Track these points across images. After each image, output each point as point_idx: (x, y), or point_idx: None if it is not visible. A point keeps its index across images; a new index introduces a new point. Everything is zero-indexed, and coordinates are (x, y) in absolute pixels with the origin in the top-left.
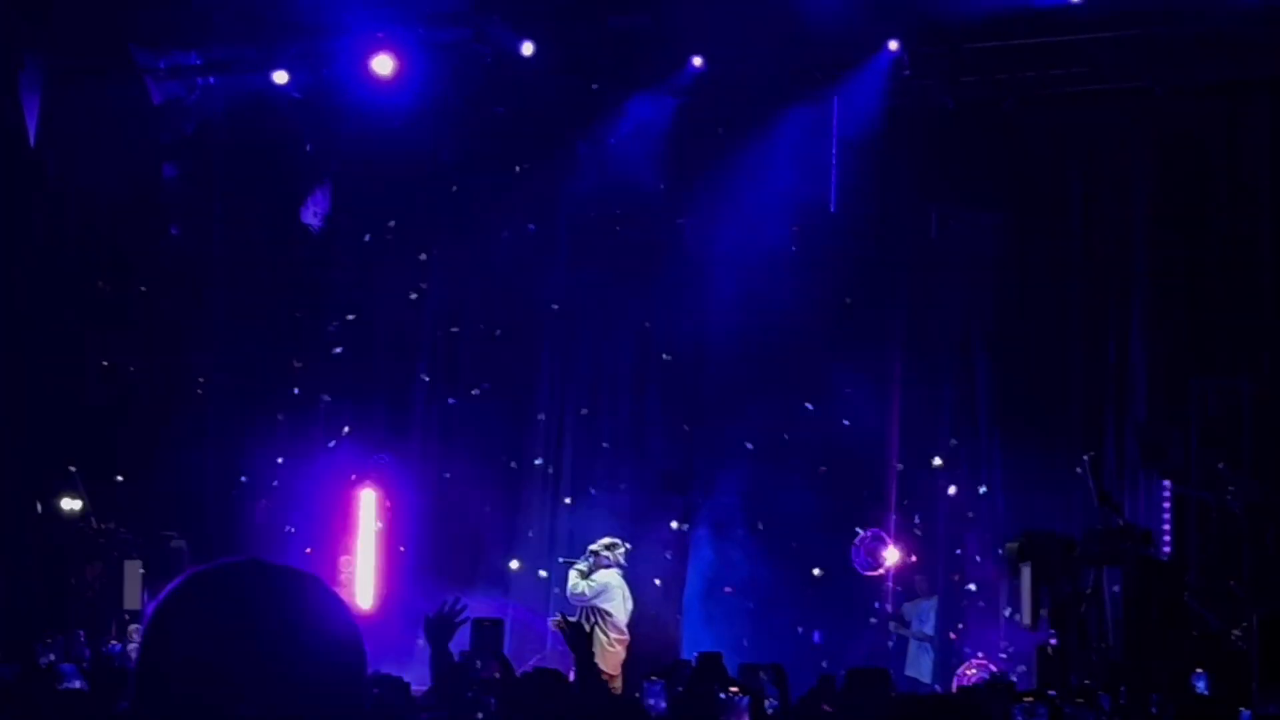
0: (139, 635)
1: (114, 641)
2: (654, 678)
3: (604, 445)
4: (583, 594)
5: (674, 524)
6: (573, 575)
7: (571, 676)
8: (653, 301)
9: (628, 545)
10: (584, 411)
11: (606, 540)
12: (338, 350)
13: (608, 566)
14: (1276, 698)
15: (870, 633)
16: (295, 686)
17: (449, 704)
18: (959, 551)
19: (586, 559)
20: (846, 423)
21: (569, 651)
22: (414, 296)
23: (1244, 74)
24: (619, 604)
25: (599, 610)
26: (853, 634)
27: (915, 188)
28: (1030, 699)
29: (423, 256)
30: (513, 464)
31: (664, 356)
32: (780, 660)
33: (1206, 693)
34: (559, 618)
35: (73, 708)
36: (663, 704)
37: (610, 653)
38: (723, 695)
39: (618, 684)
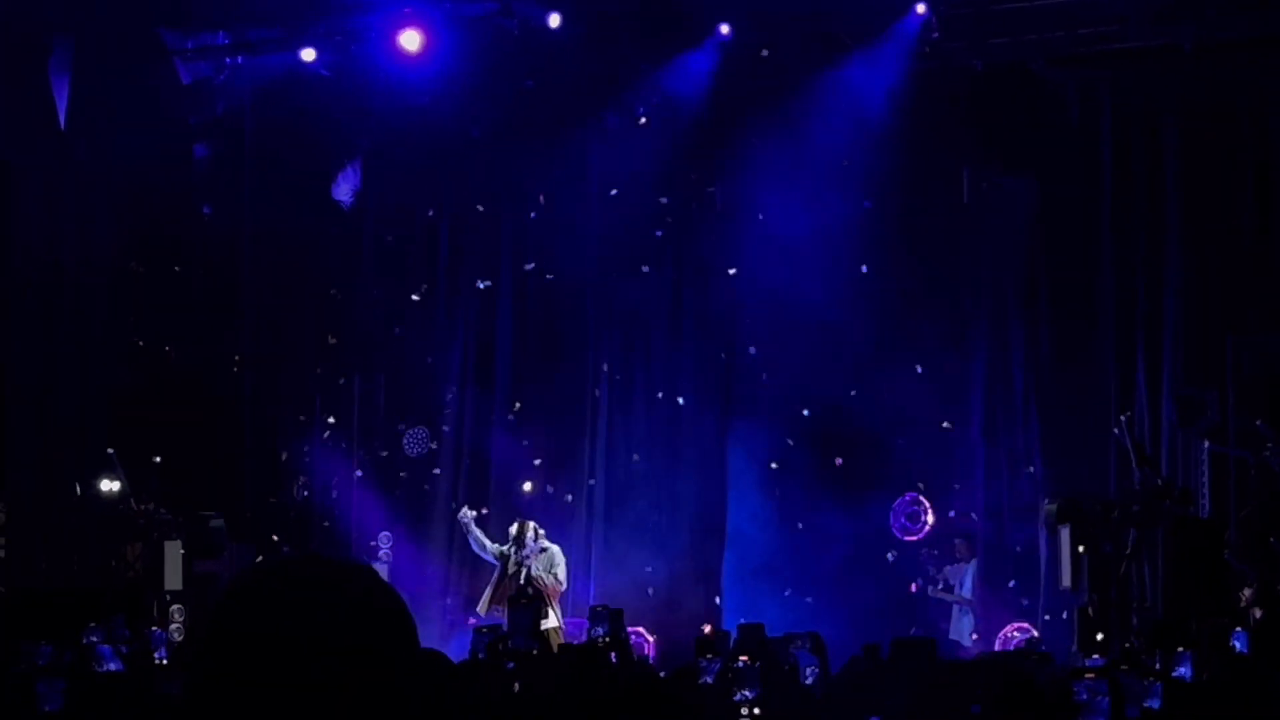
0: (180, 616)
1: (155, 628)
2: (709, 656)
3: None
4: (558, 580)
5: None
6: (548, 577)
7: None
8: (685, 268)
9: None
10: (617, 375)
11: (531, 528)
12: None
13: (545, 547)
14: None
15: (912, 598)
16: (351, 674)
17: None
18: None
19: (522, 547)
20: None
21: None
22: (482, 285)
23: (1272, 30)
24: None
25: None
26: (893, 600)
27: (946, 151)
28: (1092, 675)
29: (481, 284)
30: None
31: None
32: (820, 628)
33: (1245, 651)
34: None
35: (111, 689)
36: (711, 678)
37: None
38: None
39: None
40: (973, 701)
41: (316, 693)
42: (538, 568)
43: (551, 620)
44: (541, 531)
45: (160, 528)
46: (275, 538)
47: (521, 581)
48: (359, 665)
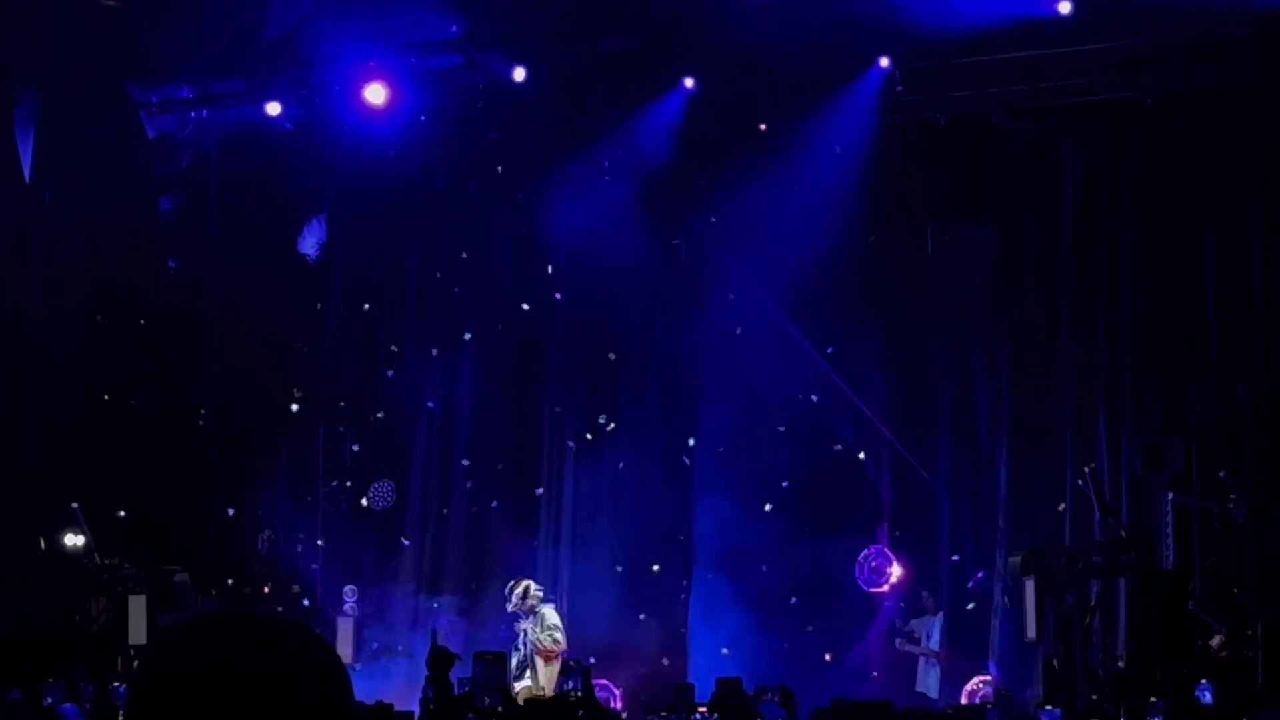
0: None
1: (118, 684)
2: (664, 714)
3: (620, 466)
4: (555, 641)
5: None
6: (544, 638)
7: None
8: (652, 321)
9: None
10: (588, 437)
11: (523, 587)
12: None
13: (536, 606)
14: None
15: (879, 649)
16: None
17: None
18: (956, 559)
19: (523, 611)
20: (838, 448)
21: None
22: (468, 338)
23: (1231, 81)
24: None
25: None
26: (861, 650)
27: (910, 203)
28: None
29: (467, 336)
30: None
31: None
32: (788, 679)
33: (1211, 703)
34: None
35: None
36: None
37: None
38: None
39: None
40: None
41: None
42: (533, 632)
43: (540, 680)
44: (538, 592)
45: (124, 582)
46: (247, 590)
47: (521, 647)
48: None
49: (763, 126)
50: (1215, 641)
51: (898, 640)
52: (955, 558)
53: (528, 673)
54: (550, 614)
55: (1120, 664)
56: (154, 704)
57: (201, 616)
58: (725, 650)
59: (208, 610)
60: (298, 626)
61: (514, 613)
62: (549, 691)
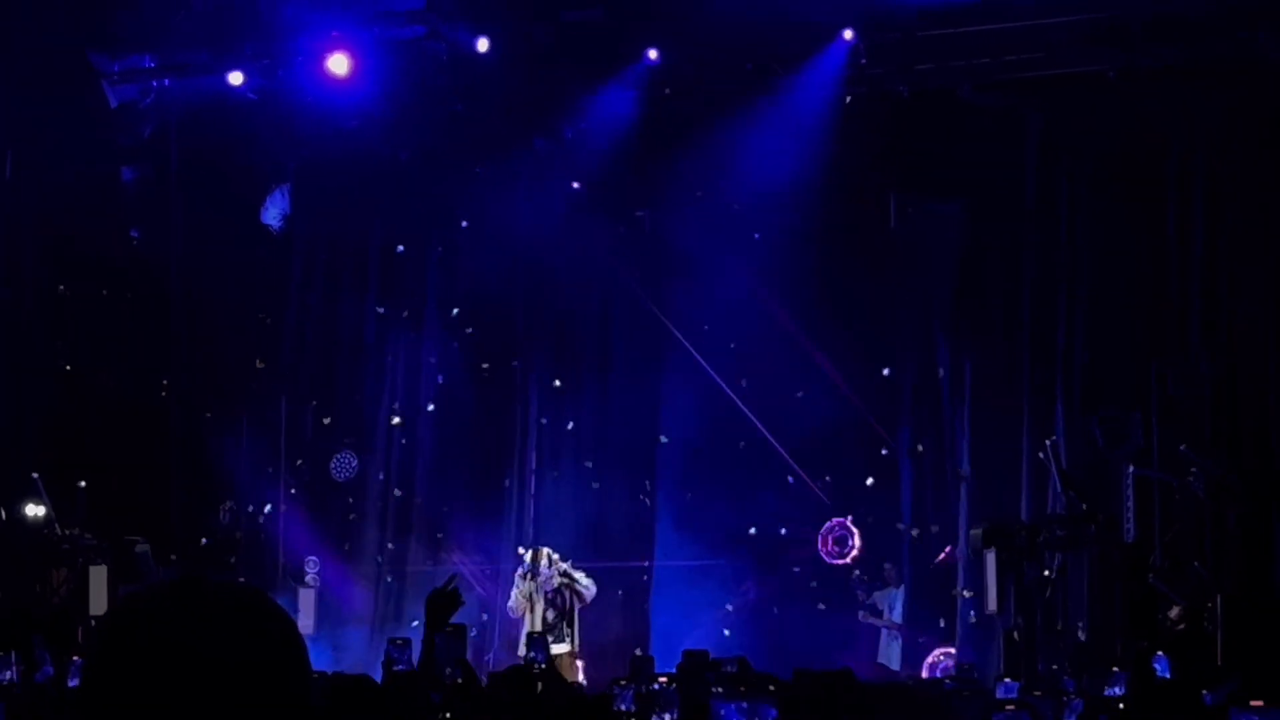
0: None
1: (78, 657)
2: (623, 682)
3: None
4: (586, 587)
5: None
6: (580, 578)
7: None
8: (613, 292)
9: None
10: (543, 421)
11: (545, 554)
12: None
13: (567, 570)
14: (1238, 678)
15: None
16: (235, 705)
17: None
18: (916, 532)
19: (553, 574)
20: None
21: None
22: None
23: (1195, 58)
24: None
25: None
26: (827, 623)
27: (873, 177)
28: (1011, 707)
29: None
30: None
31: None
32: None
33: (1167, 675)
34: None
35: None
36: (626, 705)
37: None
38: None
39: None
40: None
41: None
42: (572, 584)
43: (564, 645)
44: (555, 556)
45: (85, 553)
46: (209, 560)
47: (551, 607)
48: (248, 689)
49: (749, 66)
50: (1174, 613)
51: (860, 613)
52: (915, 531)
53: (565, 635)
54: (571, 567)
55: (1081, 636)
56: (109, 675)
57: (155, 586)
58: (727, 632)
59: (164, 580)
60: (253, 594)
61: (544, 580)
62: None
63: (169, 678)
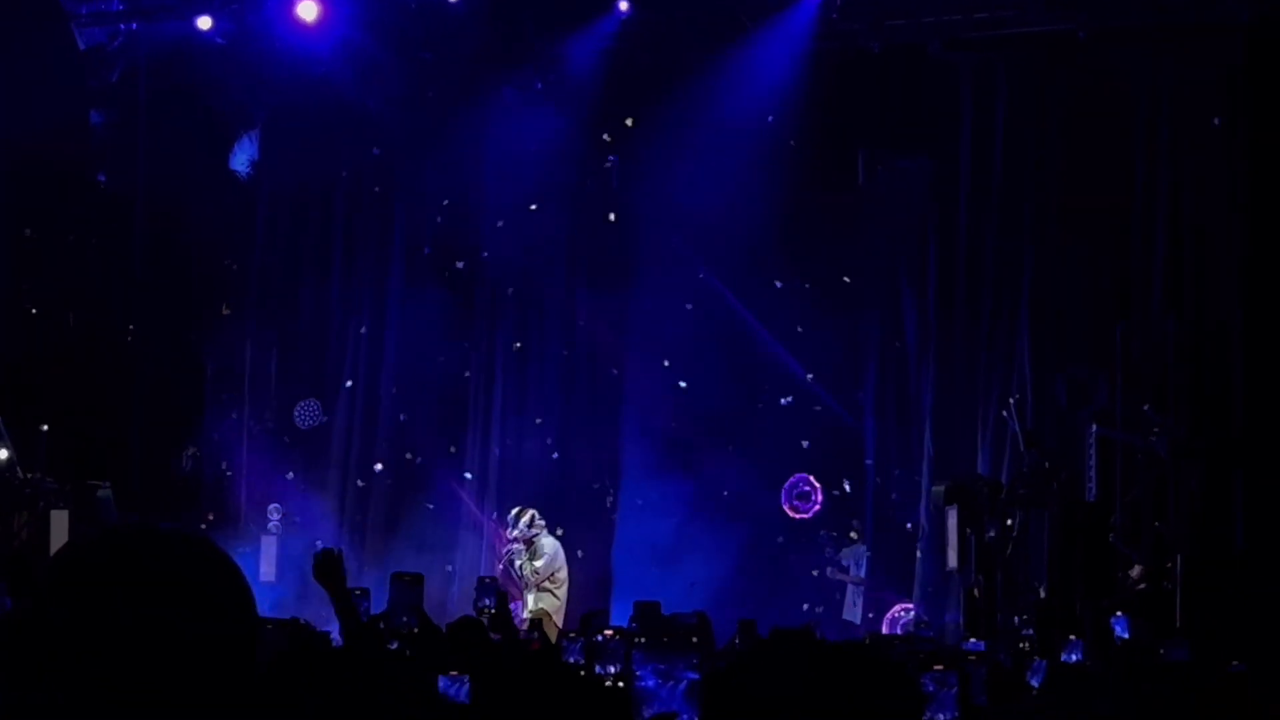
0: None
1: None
2: (572, 634)
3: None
4: (535, 573)
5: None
6: (524, 567)
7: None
8: (579, 243)
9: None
10: (517, 345)
11: (528, 515)
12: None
13: (536, 535)
14: (1197, 637)
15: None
16: (180, 654)
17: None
18: (895, 497)
19: (523, 539)
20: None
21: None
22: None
23: (1166, 17)
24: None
25: (553, 576)
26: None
27: (842, 132)
28: (940, 667)
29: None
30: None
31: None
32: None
33: (1126, 635)
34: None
35: None
36: (575, 657)
37: (559, 606)
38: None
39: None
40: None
41: (147, 666)
42: (522, 561)
43: (548, 601)
44: (540, 521)
45: (47, 497)
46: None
47: (504, 568)
48: (189, 637)
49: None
50: (1135, 572)
51: (829, 569)
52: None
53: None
54: (545, 544)
55: (1040, 594)
56: (50, 618)
57: (105, 532)
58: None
59: (112, 527)
60: (199, 542)
61: (512, 539)
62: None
63: (110, 623)
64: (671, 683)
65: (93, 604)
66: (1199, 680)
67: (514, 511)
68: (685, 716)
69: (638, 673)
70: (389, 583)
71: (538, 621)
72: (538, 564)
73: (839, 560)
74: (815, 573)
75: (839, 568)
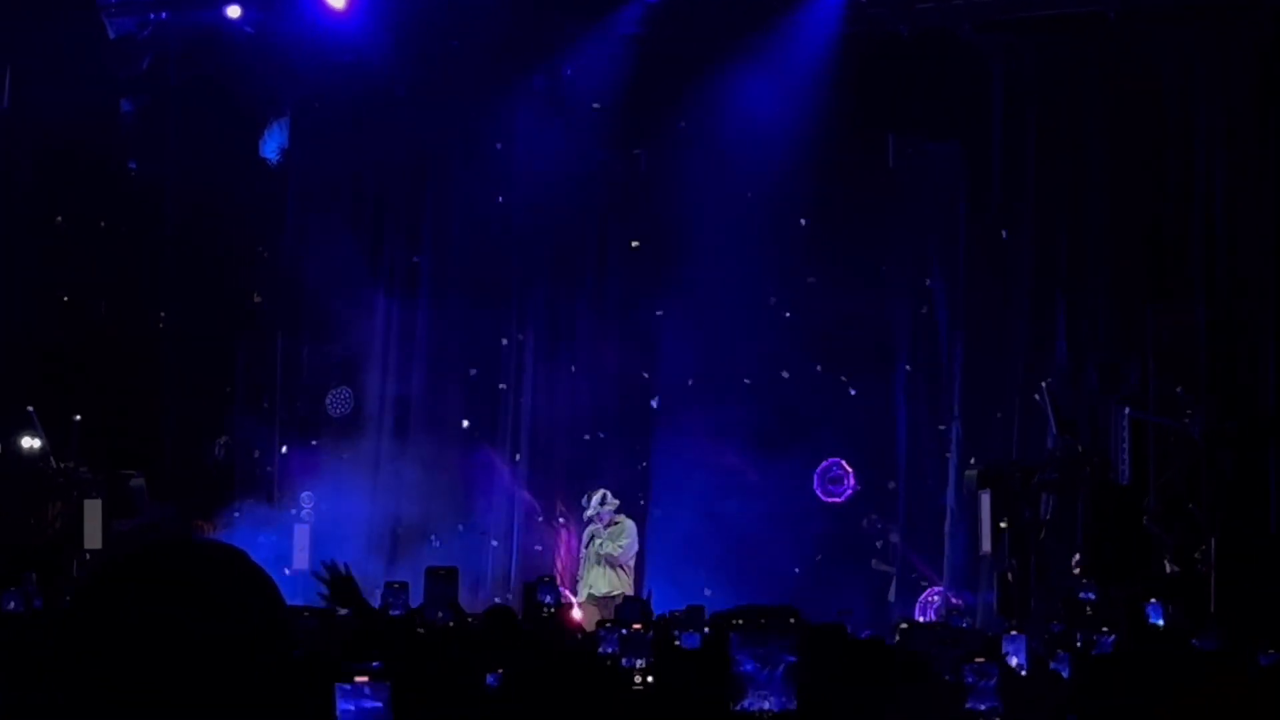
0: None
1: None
2: (608, 625)
3: (572, 370)
4: (620, 550)
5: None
6: (605, 545)
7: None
8: (609, 231)
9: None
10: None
11: (600, 494)
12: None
13: (615, 515)
14: (1231, 621)
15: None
16: (215, 670)
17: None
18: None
19: (595, 512)
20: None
21: None
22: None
23: (1196, 0)
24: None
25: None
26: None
27: (872, 116)
28: (981, 659)
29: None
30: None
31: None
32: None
33: (1161, 622)
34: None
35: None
36: (612, 648)
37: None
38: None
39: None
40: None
41: (178, 674)
42: (602, 535)
43: (595, 584)
44: (614, 500)
45: (80, 486)
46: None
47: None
48: (223, 652)
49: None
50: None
51: (874, 561)
52: (891, 484)
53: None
54: (628, 524)
55: (1076, 570)
56: (84, 637)
57: (138, 549)
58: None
59: (156, 521)
60: (234, 556)
61: (590, 519)
62: (610, 592)
63: (142, 631)
64: (769, 668)
65: (126, 611)
66: (1230, 671)
67: (587, 494)
68: (781, 700)
69: (735, 657)
70: (424, 577)
71: (607, 601)
72: (622, 543)
73: (889, 531)
74: (874, 562)
75: (883, 559)
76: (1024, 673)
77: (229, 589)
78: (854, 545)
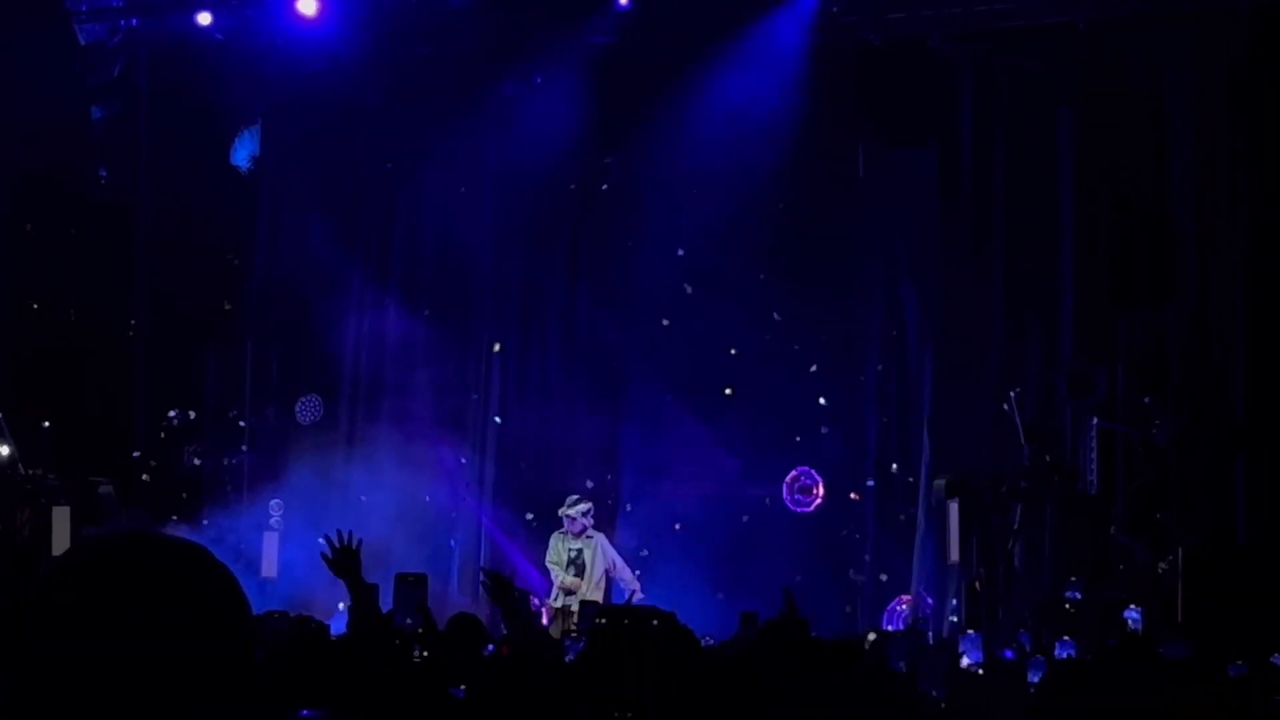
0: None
1: None
2: (574, 633)
3: (543, 378)
4: (613, 565)
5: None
6: (560, 576)
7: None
8: (581, 239)
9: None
10: (497, 347)
11: (587, 504)
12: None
13: (580, 532)
14: (1199, 629)
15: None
16: (176, 662)
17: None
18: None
19: (571, 521)
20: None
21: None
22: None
23: (1166, 10)
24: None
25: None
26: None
27: (842, 125)
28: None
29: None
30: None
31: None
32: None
33: (1140, 628)
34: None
35: None
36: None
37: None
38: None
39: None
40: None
41: (142, 668)
42: (591, 547)
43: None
44: (592, 519)
45: (49, 493)
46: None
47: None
48: (184, 646)
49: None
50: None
51: (850, 571)
52: (858, 494)
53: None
54: (601, 539)
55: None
56: (46, 627)
57: (102, 538)
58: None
59: (122, 525)
60: (195, 550)
61: (561, 516)
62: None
63: (105, 632)
64: None
65: (88, 605)
66: (1198, 680)
67: (574, 499)
68: None
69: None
70: (393, 583)
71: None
72: (613, 556)
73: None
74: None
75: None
76: (980, 672)
77: (189, 580)
78: (829, 555)
